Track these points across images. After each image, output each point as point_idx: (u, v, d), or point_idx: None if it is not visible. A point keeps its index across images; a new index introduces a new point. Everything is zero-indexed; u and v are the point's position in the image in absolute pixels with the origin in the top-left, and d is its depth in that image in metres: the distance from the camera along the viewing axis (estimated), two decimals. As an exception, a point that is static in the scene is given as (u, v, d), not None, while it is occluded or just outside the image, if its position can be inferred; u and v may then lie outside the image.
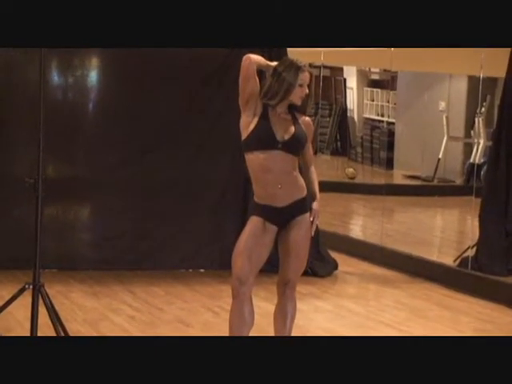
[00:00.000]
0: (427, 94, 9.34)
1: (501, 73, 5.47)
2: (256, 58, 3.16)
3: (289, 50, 5.19)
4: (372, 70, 10.28)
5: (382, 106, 10.03)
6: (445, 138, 8.83)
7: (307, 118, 3.25)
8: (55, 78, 5.16)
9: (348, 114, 10.70)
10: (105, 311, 4.34)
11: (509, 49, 5.23)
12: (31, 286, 3.36)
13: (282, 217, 3.16)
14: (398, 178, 9.33)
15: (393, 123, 9.74)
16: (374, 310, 4.75)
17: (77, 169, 5.23)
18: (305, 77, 3.14)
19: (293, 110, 3.19)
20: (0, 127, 5.05)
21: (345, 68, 10.50)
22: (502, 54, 5.24)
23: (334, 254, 5.72)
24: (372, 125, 10.17)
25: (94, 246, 5.21)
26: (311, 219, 3.20)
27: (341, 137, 10.83)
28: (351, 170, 9.65)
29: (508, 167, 5.36)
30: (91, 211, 5.34)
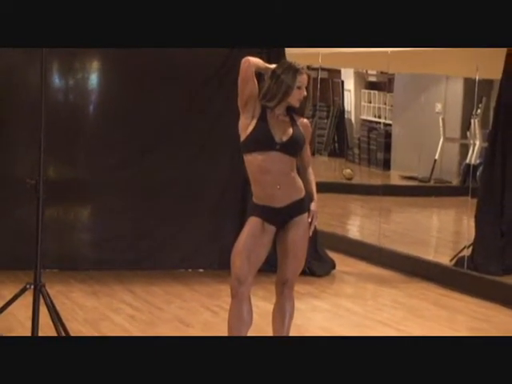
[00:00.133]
0: (424, 96, 9.39)
1: (496, 75, 5.50)
2: (255, 60, 3.19)
3: (287, 52, 5.22)
4: (369, 72, 10.32)
5: (379, 107, 10.08)
6: (441, 140, 8.87)
7: (305, 120, 3.28)
8: (56, 80, 5.17)
9: (345, 116, 10.75)
10: (105, 311, 4.37)
11: (504, 51, 5.27)
12: (32, 286, 3.38)
13: (281, 217, 3.19)
14: (395, 178, 9.36)
15: (390, 125, 9.78)
16: (371, 309, 4.78)
17: (77, 170, 5.25)
18: (303, 79, 3.17)
19: (291, 111, 3.22)
20: (1, 128, 5.06)
21: (342, 70, 10.53)
22: (497, 56, 5.27)
23: (331, 254, 5.75)
24: (369, 126, 10.21)
25: (94, 246, 5.22)
26: (310, 220, 3.22)
27: (338, 138, 10.87)
28: (349, 170, 9.69)
29: (503, 168, 5.40)
30: (91, 212, 5.35)
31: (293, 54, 4.93)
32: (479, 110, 8.16)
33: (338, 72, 10.60)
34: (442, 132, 8.88)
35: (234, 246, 3.21)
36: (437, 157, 8.91)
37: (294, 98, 3.17)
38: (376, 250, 6.10)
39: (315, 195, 3.28)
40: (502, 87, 5.43)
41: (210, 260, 5.34)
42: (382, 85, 9.75)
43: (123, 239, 5.23)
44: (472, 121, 8.35)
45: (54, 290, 4.20)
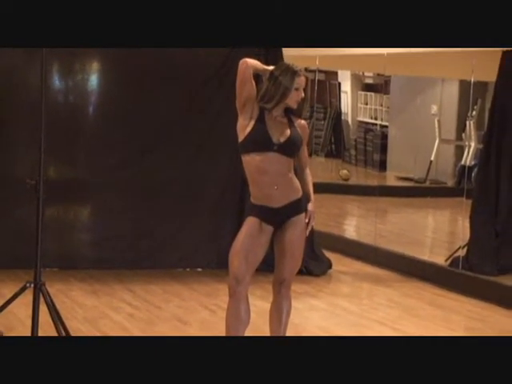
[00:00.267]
0: (420, 98, 9.44)
1: (491, 77, 5.54)
2: (252, 62, 3.21)
3: (284, 54, 5.25)
4: (366, 74, 10.37)
5: (376, 109, 10.14)
6: (437, 141, 8.92)
7: (303, 121, 3.30)
8: (56, 81, 5.16)
9: (342, 117, 10.81)
10: (104, 309, 4.39)
11: (499, 54, 5.30)
12: (32, 285, 3.39)
13: (278, 217, 3.22)
14: (391, 179, 9.41)
15: (386, 126, 9.84)
16: (367, 308, 4.81)
17: (77, 170, 5.25)
18: (301, 81, 3.19)
19: (289, 113, 3.24)
20: (1, 128, 5.06)
21: (339, 72, 10.60)
22: (492, 58, 5.30)
23: (328, 254, 5.77)
24: (366, 128, 10.27)
25: (94, 245, 5.23)
26: (307, 220, 3.25)
27: (335, 139, 10.93)
28: (345, 171, 9.73)
29: (498, 169, 5.43)
30: (91, 211, 5.35)
31: (290, 56, 4.98)
32: (474, 112, 8.21)
33: (335, 74, 10.66)
34: (437, 134, 8.94)
35: (232, 246, 3.23)
36: (432, 158, 8.96)
37: (292, 100, 3.20)
38: (372, 250, 6.13)
39: (312, 196, 3.30)
40: (496, 89, 5.45)
41: (208, 259, 5.35)
42: (379, 87, 9.81)
43: (123, 239, 5.23)
44: (467, 122, 8.41)
45: (54, 289, 4.20)
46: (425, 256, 6.23)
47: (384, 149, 9.48)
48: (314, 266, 5.53)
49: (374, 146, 9.79)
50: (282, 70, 3.20)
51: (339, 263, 5.88)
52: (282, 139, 3.19)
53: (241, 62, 3.20)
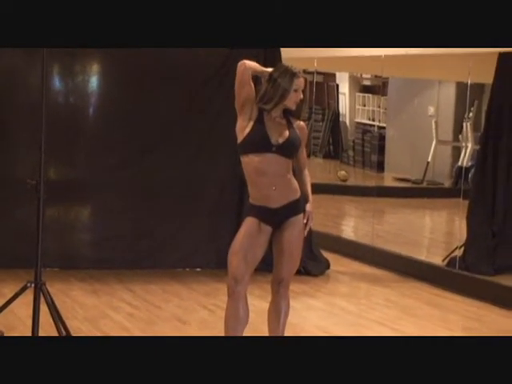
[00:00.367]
0: (417, 100, 9.48)
1: (488, 79, 5.57)
2: (251, 63, 3.23)
3: (283, 56, 5.28)
4: (364, 75, 10.41)
5: (374, 110, 10.18)
6: (434, 142, 8.96)
7: (301, 123, 3.33)
8: (56, 82, 5.17)
9: (340, 119, 10.84)
10: (105, 309, 4.41)
11: (496, 56, 5.34)
12: (33, 285, 3.39)
13: (277, 218, 3.24)
14: (389, 180, 9.45)
15: (384, 127, 9.88)
16: (365, 308, 4.83)
17: (77, 170, 5.25)
18: (299, 82, 3.22)
19: (287, 114, 3.26)
20: (2, 130, 5.08)
21: (337, 74, 10.63)
22: (489, 60, 5.33)
23: (326, 254, 5.79)
24: (363, 129, 10.31)
25: (94, 245, 5.24)
26: (305, 221, 3.27)
27: (333, 140, 10.97)
28: (343, 172, 9.77)
29: (495, 170, 5.46)
30: (92, 211, 5.36)
31: (289, 58, 5.00)
32: (471, 114, 8.25)
33: (333, 76, 10.70)
34: (434, 135, 8.97)
35: (231, 246, 3.25)
36: (429, 159, 9.00)
37: (291, 101, 3.22)
38: (370, 250, 6.16)
39: (310, 196, 3.32)
40: (493, 91, 5.48)
41: (207, 259, 5.36)
42: (376, 88, 9.85)
43: (123, 239, 5.24)
44: (464, 124, 8.44)
45: (55, 289, 4.20)
46: (422, 256, 6.25)
47: (382, 150, 9.52)
48: (312, 266, 5.56)
49: (372, 147, 9.83)
50: (280, 72, 3.22)
51: (337, 263, 5.90)
52: (281, 140, 3.21)
53: (239, 63, 3.22)
